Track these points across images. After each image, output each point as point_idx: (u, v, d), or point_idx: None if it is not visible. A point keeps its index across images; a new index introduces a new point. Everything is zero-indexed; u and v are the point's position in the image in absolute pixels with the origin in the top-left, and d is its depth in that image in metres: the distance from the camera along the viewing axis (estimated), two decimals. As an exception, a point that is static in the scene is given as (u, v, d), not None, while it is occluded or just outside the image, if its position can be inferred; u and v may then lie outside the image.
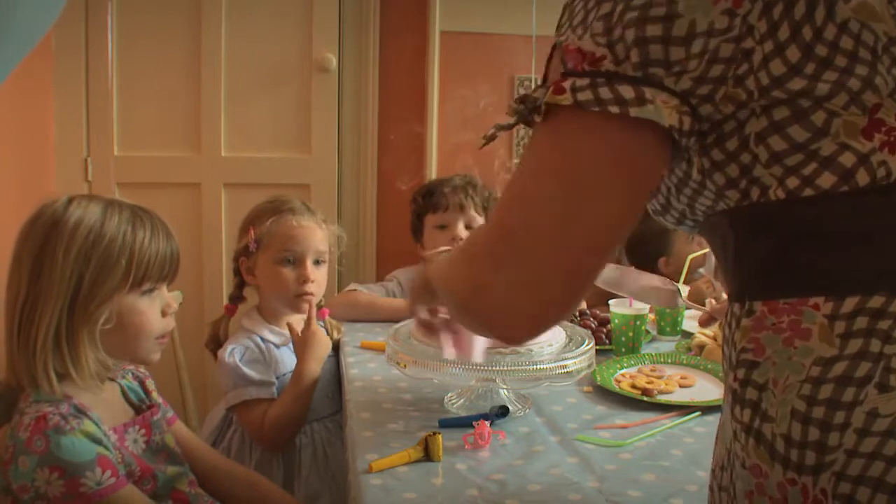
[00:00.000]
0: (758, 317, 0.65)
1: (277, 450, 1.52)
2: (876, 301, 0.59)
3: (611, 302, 1.55)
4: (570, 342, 1.27)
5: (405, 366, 1.21)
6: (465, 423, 1.15)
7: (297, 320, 1.57)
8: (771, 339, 0.64)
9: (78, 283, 1.03)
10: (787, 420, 0.61)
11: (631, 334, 1.52)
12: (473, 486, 0.99)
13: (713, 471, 0.72)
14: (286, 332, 1.58)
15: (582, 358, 1.21)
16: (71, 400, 1.04)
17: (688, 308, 1.58)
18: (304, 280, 1.56)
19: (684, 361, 1.47)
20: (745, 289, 0.67)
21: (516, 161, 2.63)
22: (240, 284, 1.65)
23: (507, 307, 0.64)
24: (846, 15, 0.60)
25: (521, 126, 0.68)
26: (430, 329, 1.06)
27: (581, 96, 0.61)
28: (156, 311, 1.12)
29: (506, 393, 1.27)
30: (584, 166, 0.62)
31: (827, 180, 0.61)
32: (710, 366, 1.44)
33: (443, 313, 1.02)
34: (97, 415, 1.05)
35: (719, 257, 0.72)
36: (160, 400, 1.23)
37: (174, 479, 1.16)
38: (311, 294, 1.58)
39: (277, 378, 1.53)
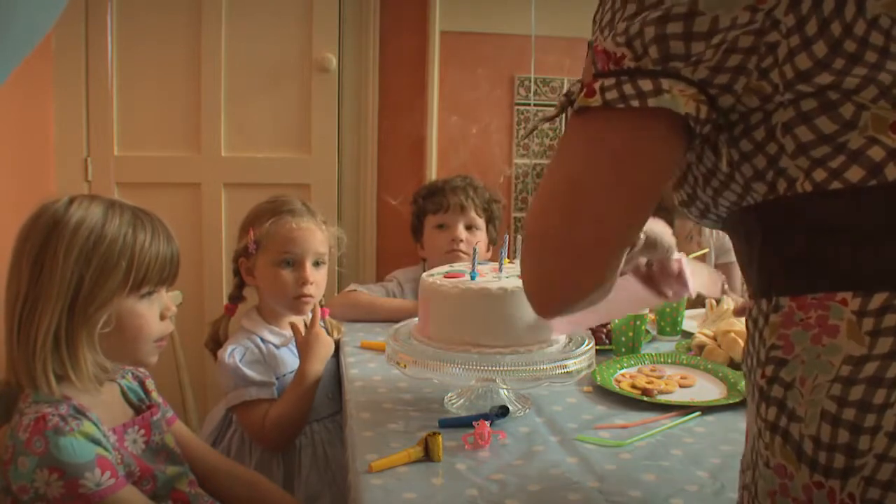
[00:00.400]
0: (786, 312, 0.65)
1: (278, 450, 1.52)
2: None
3: (611, 302, 1.55)
4: (570, 342, 1.27)
5: (405, 366, 1.21)
6: (465, 423, 1.15)
7: (300, 321, 1.57)
8: (800, 337, 0.63)
9: (78, 285, 1.03)
10: (817, 421, 0.60)
11: (631, 334, 1.52)
12: (473, 486, 0.99)
13: (742, 472, 0.72)
14: (286, 332, 1.58)
15: (582, 358, 1.21)
16: (70, 401, 1.04)
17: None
18: (303, 282, 1.56)
19: (684, 361, 1.47)
20: (771, 284, 0.67)
21: (516, 161, 2.64)
22: (239, 285, 1.65)
23: (529, 294, 0.73)
24: (877, 11, 0.60)
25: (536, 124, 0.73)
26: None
27: (608, 95, 0.64)
28: (155, 314, 1.12)
29: (506, 393, 1.27)
30: (605, 161, 0.66)
31: (855, 174, 0.61)
32: (710, 366, 1.44)
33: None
34: (96, 415, 1.05)
35: (743, 253, 0.72)
36: (160, 400, 1.23)
37: (174, 480, 1.16)
38: (311, 296, 1.58)
39: (277, 379, 1.53)
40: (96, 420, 1.05)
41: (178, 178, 2.40)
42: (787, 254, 0.66)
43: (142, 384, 1.22)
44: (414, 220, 2.05)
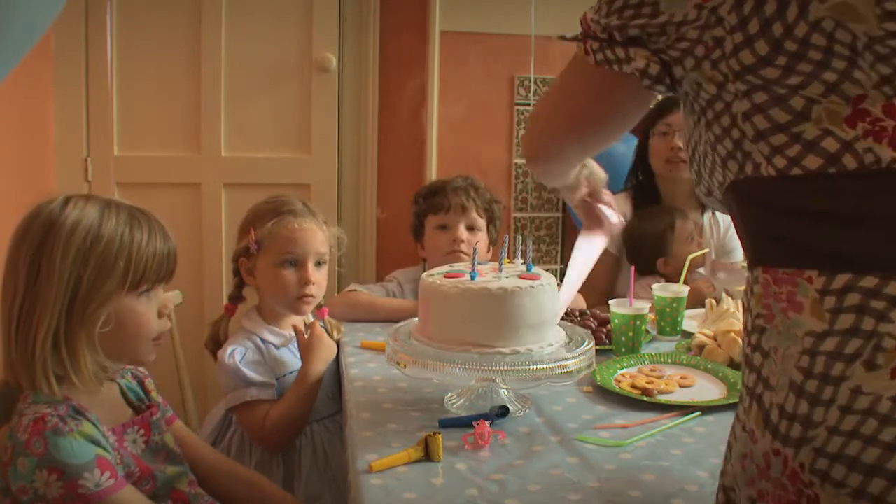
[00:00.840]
0: (763, 284, 0.69)
1: (278, 451, 1.52)
2: (869, 281, 0.61)
3: (611, 302, 1.55)
4: (570, 342, 1.27)
5: (405, 366, 1.20)
6: (465, 423, 1.15)
7: (300, 321, 1.57)
8: (775, 308, 0.67)
9: (76, 285, 1.03)
10: (785, 390, 0.64)
11: (631, 334, 1.52)
12: (473, 486, 0.99)
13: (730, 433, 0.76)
14: (286, 332, 1.58)
15: (582, 358, 1.21)
16: (70, 401, 1.04)
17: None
18: (305, 282, 1.56)
19: (684, 361, 1.47)
20: (756, 257, 0.72)
21: (516, 161, 2.64)
22: (239, 285, 1.65)
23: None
24: (820, 14, 0.63)
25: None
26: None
27: (598, 57, 0.80)
28: (153, 312, 1.12)
29: (506, 393, 1.27)
30: (575, 84, 0.88)
31: (813, 162, 0.65)
32: (710, 366, 1.44)
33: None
34: (96, 416, 1.05)
35: (737, 228, 0.78)
36: (160, 399, 1.23)
37: (174, 479, 1.16)
38: (313, 296, 1.58)
39: (277, 379, 1.53)
40: (95, 420, 1.04)
41: (178, 178, 2.40)
42: (760, 230, 0.70)
43: (141, 384, 1.22)
44: (414, 220, 2.04)
